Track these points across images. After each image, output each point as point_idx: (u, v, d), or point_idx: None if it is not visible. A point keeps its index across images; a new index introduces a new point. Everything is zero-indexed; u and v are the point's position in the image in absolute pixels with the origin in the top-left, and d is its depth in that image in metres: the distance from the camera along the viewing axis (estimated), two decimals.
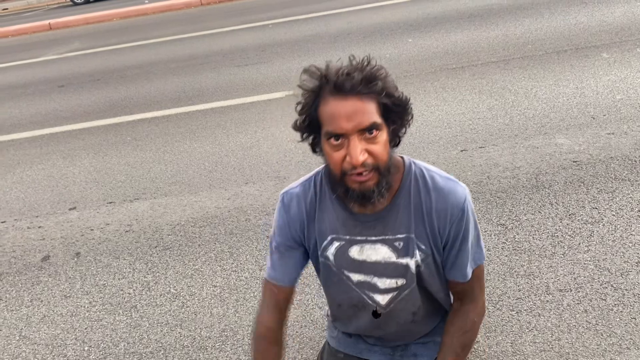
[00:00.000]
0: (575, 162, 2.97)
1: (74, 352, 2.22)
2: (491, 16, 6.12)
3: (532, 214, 2.61)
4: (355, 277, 1.34)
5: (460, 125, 3.63)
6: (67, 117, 5.10)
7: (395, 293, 1.35)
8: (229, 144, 3.96)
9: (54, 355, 2.21)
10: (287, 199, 1.35)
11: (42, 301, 2.56)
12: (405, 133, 1.24)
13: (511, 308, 2.08)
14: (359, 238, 1.29)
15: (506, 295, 2.14)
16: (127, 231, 3.04)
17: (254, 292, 2.38)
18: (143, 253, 2.80)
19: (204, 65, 6.18)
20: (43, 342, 2.30)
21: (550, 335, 1.94)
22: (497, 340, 1.95)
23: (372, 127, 1.11)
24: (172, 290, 2.49)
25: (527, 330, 1.98)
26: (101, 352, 2.19)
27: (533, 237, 2.45)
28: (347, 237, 1.30)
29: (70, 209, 3.39)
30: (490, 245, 2.44)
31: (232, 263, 2.60)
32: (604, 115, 3.43)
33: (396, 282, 1.32)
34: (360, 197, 1.18)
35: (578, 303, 2.06)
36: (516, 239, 2.46)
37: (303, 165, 3.42)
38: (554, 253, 2.33)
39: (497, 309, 2.09)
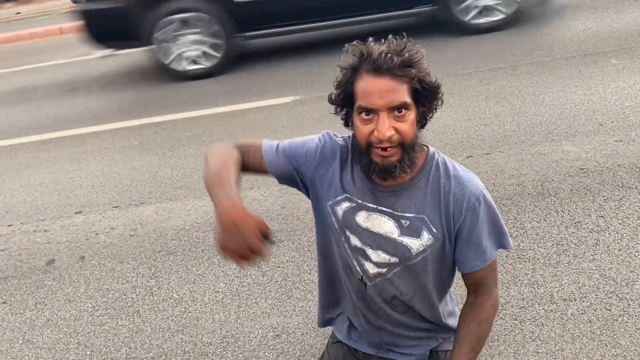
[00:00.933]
0: (582, 169, 2.94)
1: (76, 356, 2.22)
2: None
3: (537, 222, 2.59)
4: (354, 240, 1.36)
5: (466, 131, 3.61)
6: (76, 121, 5.13)
7: (385, 269, 1.35)
8: None
9: None
10: (332, 136, 1.40)
11: (46, 305, 2.58)
12: (432, 117, 1.28)
13: (514, 317, 2.07)
14: (369, 205, 1.33)
15: (509, 304, 2.13)
16: (131, 235, 3.05)
17: (255, 298, 2.38)
18: (147, 258, 2.81)
19: None
20: (46, 346, 2.31)
21: (553, 345, 1.92)
22: (499, 350, 1.93)
23: (401, 107, 1.18)
24: (174, 295, 2.49)
25: (530, 340, 1.96)
26: (103, 357, 2.19)
27: (538, 245, 2.43)
28: (359, 201, 1.34)
29: (76, 213, 3.41)
30: None
31: (235, 268, 2.60)
32: (612, 122, 3.40)
33: (389, 259, 1.33)
34: (382, 170, 1.24)
35: (582, 313, 2.04)
36: (520, 247, 2.44)
37: None
38: (558, 262, 2.31)
39: (500, 317, 2.07)
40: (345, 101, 1.27)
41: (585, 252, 2.34)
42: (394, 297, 1.39)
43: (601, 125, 3.40)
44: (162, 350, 2.17)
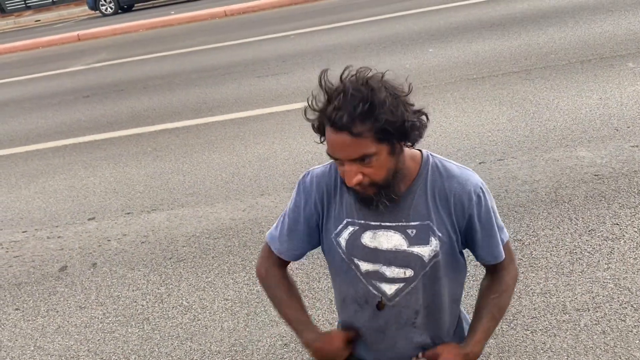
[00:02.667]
0: (597, 175, 2.89)
1: None
2: (514, 25, 6.04)
3: (551, 229, 2.54)
4: (364, 266, 1.34)
5: (479, 137, 3.57)
6: (91, 128, 5.19)
7: (402, 284, 1.34)
8: (246, 155, 3.97)
9: None
10: (308, 178, 1.39)
11: (57, 312, 2.60)
12: (418, 140, 1.23)
13: (526, 327, 2.03)
14: (373, 223, 1.31)
15: (521, 314, 2.09)
16: (143, 242, 3.06)
17: (264, 307, 2.37)
18: (157, 265, 2.82)
19: (225, 76, 6.24)
20: (57, 353, 2.33)
21: (565, 357, 1.88)
22: None
23: (363, 158, 1.16)
24: (184, 302, 2.49)
25: (541, 351, 1.92)
26: None
27: (551, 254, 2.39)
28: (362, 221, 1.32)
29: (89, 219, 3.43)
30: None
31: (245, 276, 2.59)
32: (628, 127, 3.34)
33: (404, 272, 1.32)
34: (362, 201, 1.25)
35: (596, 323, 2.00)
36: (533, 255, 2.40)
37: None
38: (572, 270, 2.27)
39: (512, 328, 2.03)
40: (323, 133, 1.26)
41: (599, 261, 2.29)
42: (408, 317, 1.38)
43: (617, 130, 3.34)
44: (170, 358, 2.18)
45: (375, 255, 1.32)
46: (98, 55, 9.02)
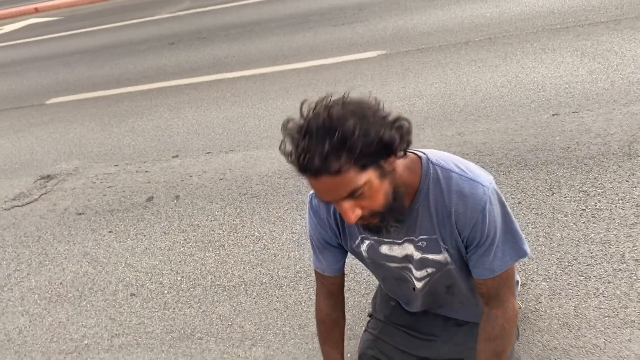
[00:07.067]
0: None
1: (169, 280, 2.52)
2: None
3: (619, 182, 2.51)
4: (392, 265, 1.42)
5: (555, 89, 3.49)
6: (175, 73, 5.50)
7: (427, 279, 1.42)
8: None
9: (152, 282, 2.53)
10: (315, 203, 1.40)
11: (144, 235, 2.90)
12: (407, 147, 1.13)
13: (580, 273, 2.07)
14: (385, 240, 1.34)
15: (577, 261, 2.13)
16: (221, 179, 3.31)
17: None
18: (233, 199, 3.05)
19: (302, 25, 6.32)
20: (144, 270, 2.63)
21: (617, 303, 1.92)
22: (560, 303, 1.96)
23: (353, 193, 1.08)
24: (256, 233, 2.71)
25: (593, 296, 1.97)
26: (191, 283, 2.47)
27: (615, 206, 2.38)
28: (375, 238, 1.34)
29: (173, 157, 3.73)
30: (568, 211, 2.40)
31: None
32: None
33: (426, 271, 1.39)
34: (368, 229, 1.24)
35: None
36: (597, 207, 2.40)
37: None
38: (635, 223, 2.26)
39: (566, 273, 2.08)
40: None
41: None
42: (440, 292, 1.48)
43: None
44: (242, 280, 2.41)
45: (397, 260, 1.39)
46: (182, 4, 9.34)
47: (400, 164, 1.20)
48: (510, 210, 1.28)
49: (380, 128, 1.05)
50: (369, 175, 1.07)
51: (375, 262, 1.44)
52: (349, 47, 5.11)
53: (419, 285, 1.45)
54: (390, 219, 1.17)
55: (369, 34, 5.39)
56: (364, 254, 1.42)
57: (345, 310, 1.60)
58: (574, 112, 3.16)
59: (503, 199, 1.26)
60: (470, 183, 1.21)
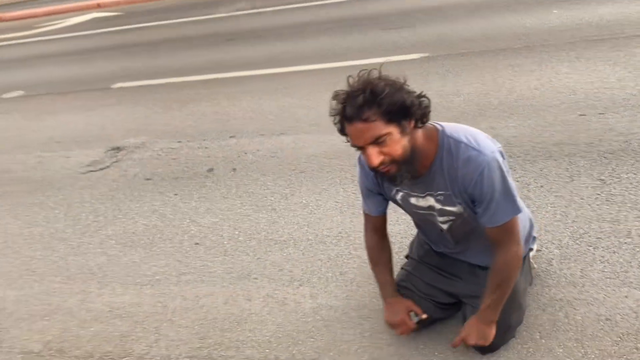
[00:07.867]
0: None
1: (228, 234, 2.91)
2: None
3: (634, 174, 2.78)
4: (421, 212, 1.81)
5: (584, 93, 3.75)
6: (232, 66, 5.95)
7: (450, 223, 1.79)
8: None
9: (213, 234, 2.93)
10: (362, 159, 1.76)
11: (206, 198, 3.31)
12: (425, 119, 1.53)
13: (589, 244, 2.36)
14: (412, 193, 1.75)
15: (587, 235, 2.41)
16: (272, 157, 3.69)
17: None
18: (283, 173, 3.44)
19: (352, 27, 6.70)
20: (206, 225, 3.03)
21: (619, 268, 2.19)
22: (569, 266, 2.25)
23: (377, 139, 1.43)
24: (303, 201, 3.08)
25: (599, 262, 2.25)
26: (247, 237, 2.85)
27: (629, 192, 2.65)
28: (406, 190, 1.75)
29: (230, 137, 4.14)
30: (585, 195, 2.68)
31: (353, 187, 3.12)
32: None
33: (447, 217, 1.77)
34: (387, 179, 1.60)
35: None
36: (612, 192, 2.67)
37: None
38: None
39: (577, 243, 2.37)
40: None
41: None
42: (471, 229, 1.81)
43: None
44: (291, 237, 2.78)
45: (423, 209, 1.78)
46: (238, 4, 9.88)
47: (421, 134, 1.55)
48: (509, 177, 1.63)
49: (404, 95, 1.45)
50: (392, 129, 1.44)
51: (408, 209, 1.86)
52: (395, 49, 5.46)
53: (444, 227, 1.81)
54: (404, 171, 1.52)
55: (413, 38, 5.73)
56: (400, 202, 1.83)
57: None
58: (600, 114, 3.42)
59: (504, 166, 1.61)
60: (474, 152, 1.56)
